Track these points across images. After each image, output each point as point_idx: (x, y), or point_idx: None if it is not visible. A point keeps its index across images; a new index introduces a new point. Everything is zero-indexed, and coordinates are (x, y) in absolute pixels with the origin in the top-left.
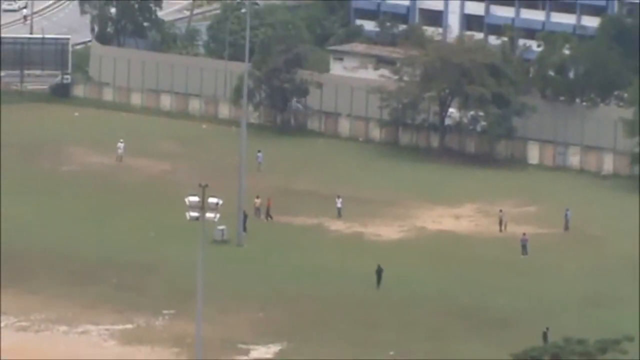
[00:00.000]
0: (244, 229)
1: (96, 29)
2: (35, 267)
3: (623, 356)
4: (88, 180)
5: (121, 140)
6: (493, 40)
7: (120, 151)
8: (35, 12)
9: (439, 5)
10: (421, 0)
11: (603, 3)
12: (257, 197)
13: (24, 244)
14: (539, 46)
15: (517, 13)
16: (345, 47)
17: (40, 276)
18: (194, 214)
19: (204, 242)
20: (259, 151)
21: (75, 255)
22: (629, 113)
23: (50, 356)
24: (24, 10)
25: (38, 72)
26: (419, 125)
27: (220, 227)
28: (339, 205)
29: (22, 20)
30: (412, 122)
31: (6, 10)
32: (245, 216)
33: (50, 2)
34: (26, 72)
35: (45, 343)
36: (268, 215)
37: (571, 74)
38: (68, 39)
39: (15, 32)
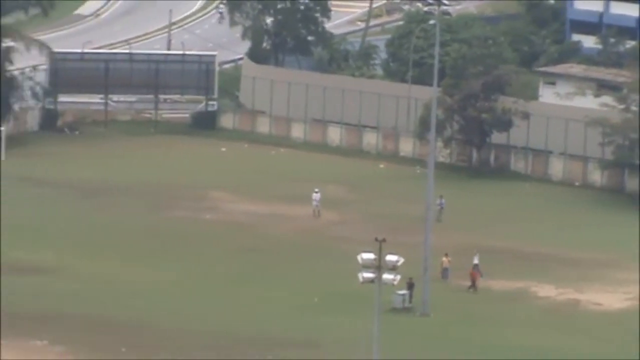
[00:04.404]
0: (410, 301)
1: (249, 44)
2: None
3: None
4: (233, 233)
5: (316, 189)
6: None
7: (315, 203)
8: (174, 23)
9: None
10: None
11: None
12: (446, 256)
13: (156, 315)
14: None
15: None
16: (559, 68)
17: (179, 355)
18: (369, 274)
19: (379, 311)
20: (440, 196)
21: (219, 328)
22: None
23: None
24: None
25: (176, 97)
26: None
27: (401, 292)
28: (475, 261)
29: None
30: None
31: None
32: (412, 285)
33: (193, 9)
34: (161, 97)
35: None
36: (474, 285)
37: None
38: (214, 56)
39: (149, 46)
